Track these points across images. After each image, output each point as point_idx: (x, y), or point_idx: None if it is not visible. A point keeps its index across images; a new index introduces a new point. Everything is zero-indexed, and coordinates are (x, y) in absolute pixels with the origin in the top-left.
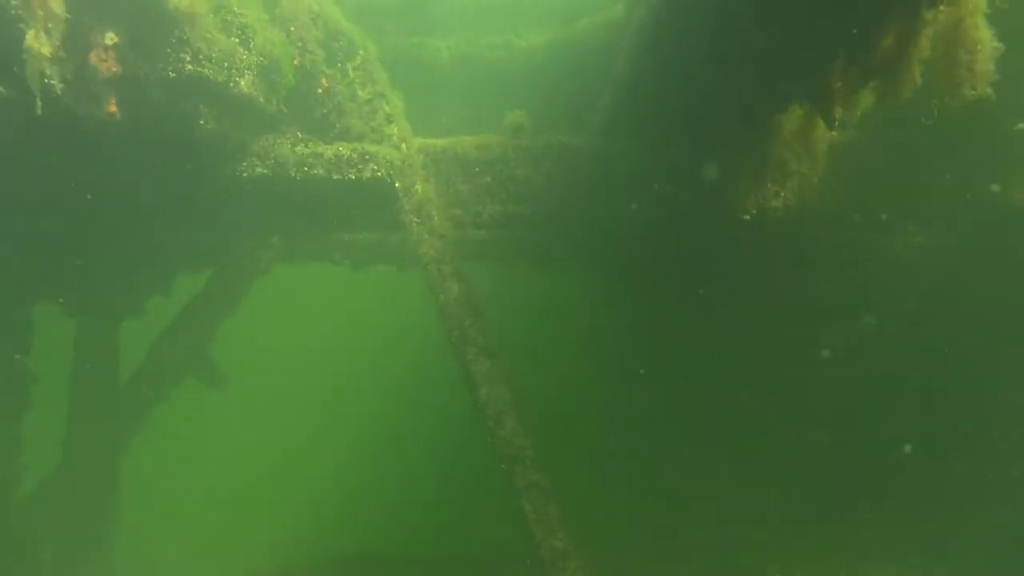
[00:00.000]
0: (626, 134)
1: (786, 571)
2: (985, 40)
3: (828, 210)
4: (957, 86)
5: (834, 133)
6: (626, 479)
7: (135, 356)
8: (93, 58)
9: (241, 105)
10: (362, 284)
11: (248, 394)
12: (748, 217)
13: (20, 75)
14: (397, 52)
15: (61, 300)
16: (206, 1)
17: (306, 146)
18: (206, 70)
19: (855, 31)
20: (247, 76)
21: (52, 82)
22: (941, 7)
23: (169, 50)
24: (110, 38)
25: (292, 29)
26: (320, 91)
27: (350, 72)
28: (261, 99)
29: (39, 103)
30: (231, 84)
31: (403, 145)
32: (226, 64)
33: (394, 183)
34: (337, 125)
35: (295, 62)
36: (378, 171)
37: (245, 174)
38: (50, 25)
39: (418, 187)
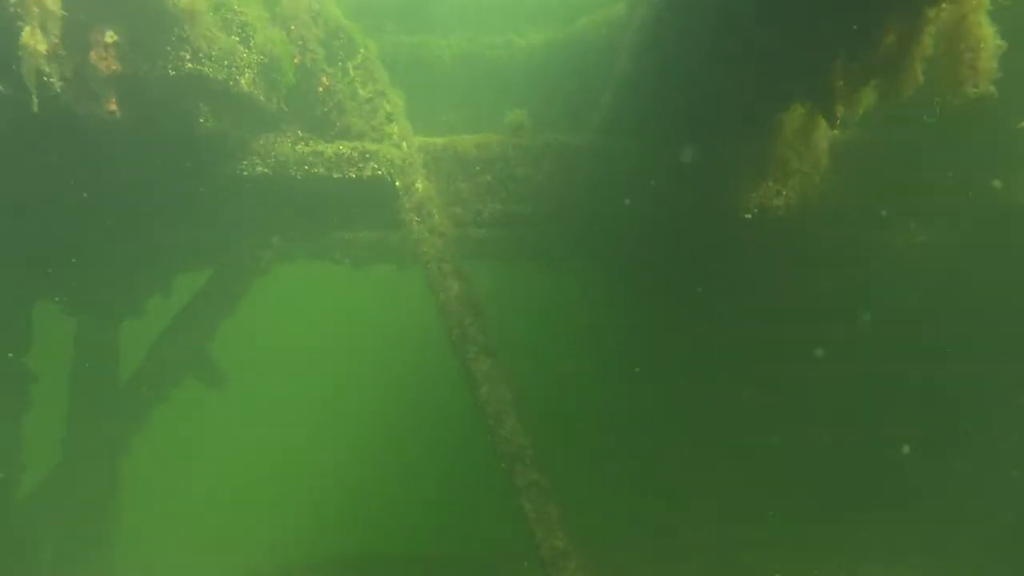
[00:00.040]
0: (627, 133)
1: (786, 571)
2: (988, 37)
3: (829, 209)
4: (959, 84)
5: (836, 131)
6: (626, 478)
7: (135, 356)
8: (93, 56)
9: (241, 103)
10: (362, 283)
11: (248, 393)
12: (749, 216)
13: (19, 73)
14: (398, 51)
15: (57, 299)
16: None
17: (307, 145)
18: (206, 68)
19: (857, 29)
20: (247, 74)
21: (52, 80)
22: (943, 4)
23: (169, 48)
24: (110, 36)
25: (292, 27)
26: (321, 90)
27: (351, 71)
28: (261, 97)
29: (35, 100)
30: (231, 82)
31: (404, 144)
32: (226, 62)
33: (394, 182)
34: (338, 124)
35: (295, 60)
36: (378, 170)
37: (246, 173)
38: (46, 22)
39: (418, 186)
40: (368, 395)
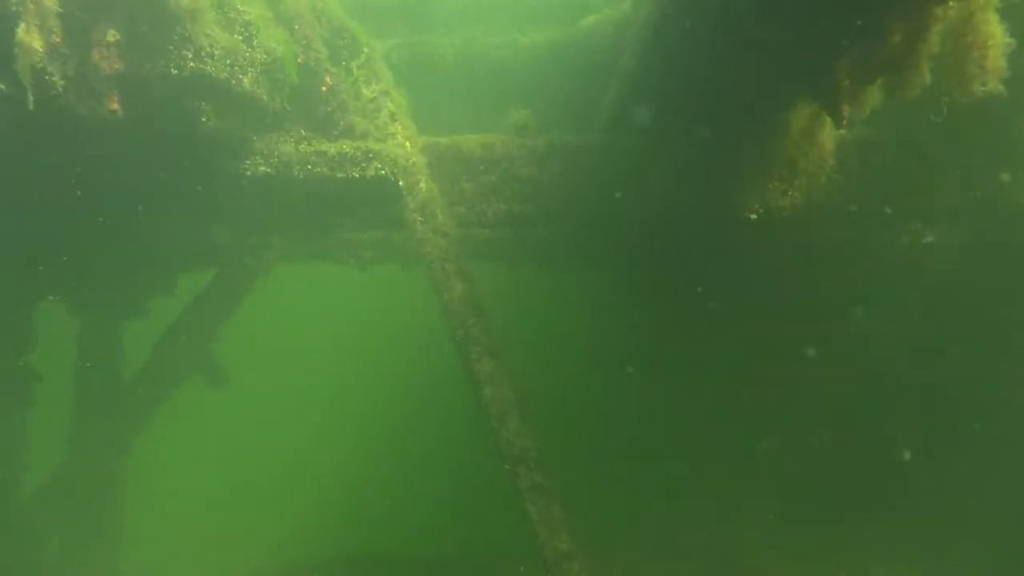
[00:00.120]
0: (631, 132)
1: (786, 571)
2: (996, 35)
3: (835, 208)
4: (967, 82)
5: (842, 131)
6: (629, 479)
7: (139, 355)
8: (95, 55)
9: (244, 103)
10: (366, 283)
11: (252, 393)
12: (754, 216)
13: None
14: (401, 50)
15: (52, 297)
16: None
17: (310, 144)
18: (208, 67)
19: (863, 27)
20: (250, 74)
21: (53, 79)
22: (951, 2)
23: (171, 47)
24: (112, 35)
25: (296, 27)
26: (324, 89)
27: (354, 70)
28: (264, 97)
29: (31, 98)
30: (234, 82)
31: (407, 143)
32: (229, 61)
33: (398, 181)
34: (341, 123)
35: (299, 60)
36: (382, 169)
37: (248, 172)
38: (43, 19)
39: (422, 185)
40: (371, 395)
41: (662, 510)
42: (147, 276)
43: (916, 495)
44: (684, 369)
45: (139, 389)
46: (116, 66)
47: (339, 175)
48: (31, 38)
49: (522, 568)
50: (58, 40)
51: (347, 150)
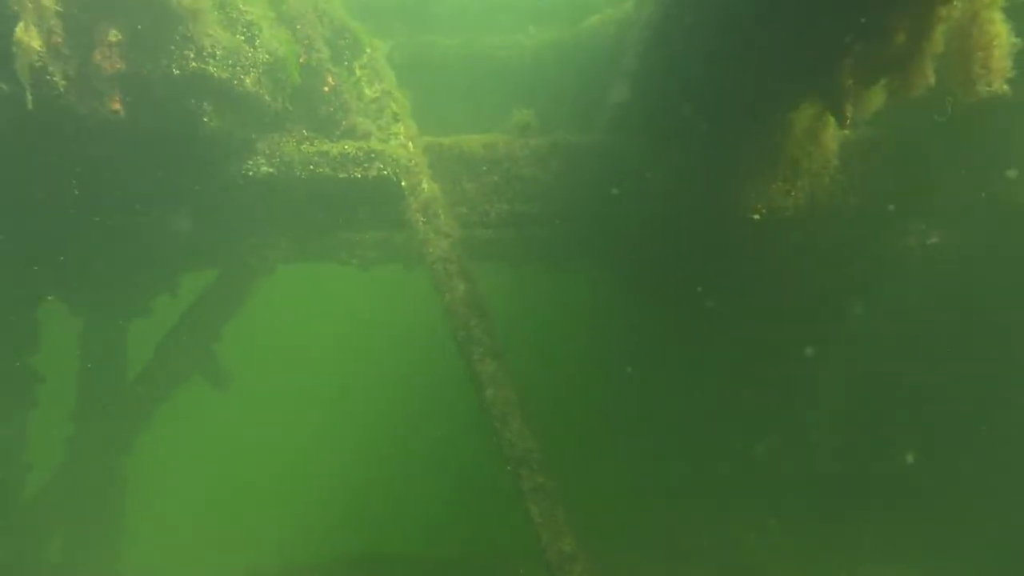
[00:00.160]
0: (634, 132)
1: (787, 571)
2: (1002, 35)
3: (838, 209)
4: (972, 82)
5: (846, 131)
6: (630, 479)
7: (142, 355)
8: (97, 55)
9: (246, 103)
10: (368, 283)
11: (254, 393)
12: (758, 216)
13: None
14: (404, 50)
15: (50, 298)
16: None
17: (312, 144)
18: (210, 67)
19: (867, 27)
20: (252, 74)
21: (55, 79)
22: (956, 2)
23: (173, 47)
24: (114, 35)
25: (298, 27)
26: (326, 89)
27: (357, 70)
28: (266, 97)
29: (29, 97)
30: (236, 82)
31: (410, 144)
32: (230, 61)
33: (400, 182)
34: (343, 123)
35: (301, 60)
36: (384, 170)
37: (250, 173)
38: (41, 18)
39: (425, 186)
40: (372, 396)
41: (663, 511)
42: (149, 276)
43: (916, 495)
44: (687, 370)
45: (141, 389)
46: (118, 66)
47: (341, 175)
48: (29, 37)
49: (521, 571)
50: (59, 40)
51: (349, 150)
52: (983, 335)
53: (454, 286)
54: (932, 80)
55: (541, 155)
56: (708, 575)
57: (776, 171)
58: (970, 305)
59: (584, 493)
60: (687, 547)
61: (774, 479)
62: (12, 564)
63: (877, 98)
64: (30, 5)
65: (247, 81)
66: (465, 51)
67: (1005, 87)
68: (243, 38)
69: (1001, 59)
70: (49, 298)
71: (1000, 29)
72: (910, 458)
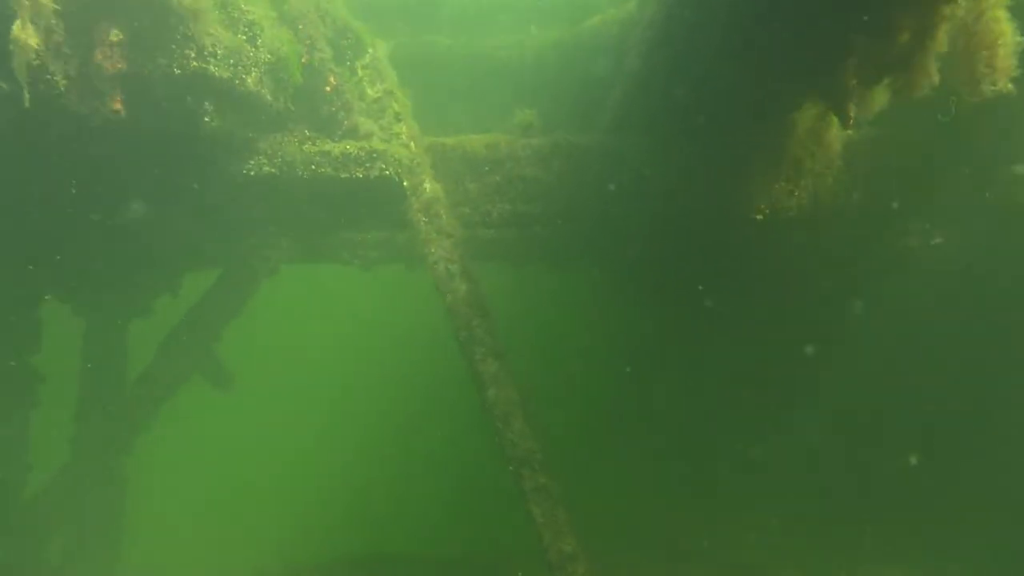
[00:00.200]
0: (636, 131)
1: (787, 572)
2: (1007, 34)
3: (842, 209)
4: (976, 82)
5: (849, 131)
6: (632, 479)
7: (143, 355)
8: (98, 55)
9: (248, 103)
10: (369, 283)
11: (256, 394)
12: (761, 216)
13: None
14: (406, 50)
15: (48, 297)
16: None
17: (314, 144)
18: (211, 67)
19: (870, 26)
20: (254, 73)
21: (56, 79)
22: (960, 1)
23: (174, 46)
24: (115, 34)
25: (300, 27)
26: (328, 89)
27: (359, 70)
28: (268, 97)
29: (27, 96)
30: (237, 81)
31: (412, 144)
32: (232, 61)
33: (402, 182)
34: (345, 123)
35: (303, 60)
36: (386, 170)
37: (252, 173)
38: (39, 17)
39: (427, 186)
40: (374, 396)
41: (663, 511)
42: (151, 276)
43: (917, 496)
44: (689, 370)
45: (142, 389)
46: (119, 66)
47: (343, 175)
48: (27, 35)
49: (520, 573)
50: (60, 39)
51: (351, 150)
52: (985, 335)
53: (456, 286)
54: (936, 79)
55: (543, 155)
56: (708, 575)
57: (779, 171)
58: (973, 305)
59: (585, 493)
60: (687, 547)
61: (774, 479)
62: (12, 564)
63: (880, 98)
64: (27, 3)
65: (248, 81)
66: (467, 51)
67: (1010, 86)
68: (245, 38)
69: (1006, 58)
70: (47, 298)
71: (1005, 27)
72: (912, 459)
